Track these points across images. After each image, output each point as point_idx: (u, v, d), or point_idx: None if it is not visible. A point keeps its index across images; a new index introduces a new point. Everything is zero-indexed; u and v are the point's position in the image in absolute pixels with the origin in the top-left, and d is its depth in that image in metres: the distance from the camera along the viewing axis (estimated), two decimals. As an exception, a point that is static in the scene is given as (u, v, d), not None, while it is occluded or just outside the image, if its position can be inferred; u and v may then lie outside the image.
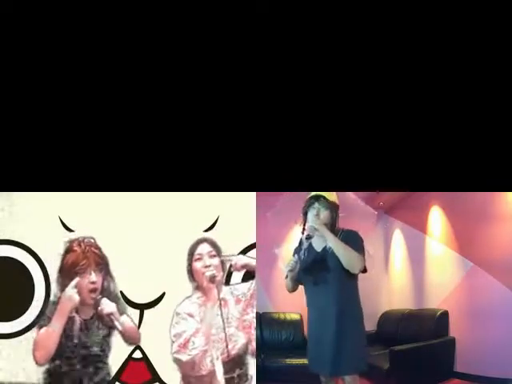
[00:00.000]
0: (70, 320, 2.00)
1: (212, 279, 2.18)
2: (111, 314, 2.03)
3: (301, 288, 2.50)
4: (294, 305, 5.26)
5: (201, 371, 2.14)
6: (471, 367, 4.19)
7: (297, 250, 2.44)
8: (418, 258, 5.26)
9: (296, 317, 5.19)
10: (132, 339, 2.13)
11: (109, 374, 2.09)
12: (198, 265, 2.21)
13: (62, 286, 2.05)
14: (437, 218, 4.94)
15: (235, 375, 2.18)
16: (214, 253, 2.23)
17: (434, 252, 5.00)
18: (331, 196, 2.40)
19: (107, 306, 2.04)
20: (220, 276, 2.22)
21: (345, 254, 2.21)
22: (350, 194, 2.54)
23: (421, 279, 5.22)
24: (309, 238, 2.30)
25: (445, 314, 4.52)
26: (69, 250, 2.07)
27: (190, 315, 2.19)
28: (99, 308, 2.03)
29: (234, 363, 2.20)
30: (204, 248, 2.23)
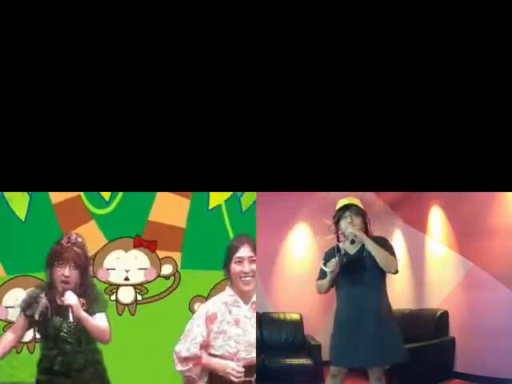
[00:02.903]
0: (38, 301, 2.13)
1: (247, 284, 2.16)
2: (70, 306, 2.09)
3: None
4: (294, 305, 5.27)
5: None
6: (471, 367, 4.18)
7: (329, 254, 2.57)
8: (418, 258, 5.25)
9: (296, 317, 5.19)
10: (99, 339, 2.19)
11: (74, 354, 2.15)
12: (236, 268, 2.15)
13: (47, 272, 2.18)
14: (437, 218, 4.93)
15: (253, 380, 2.15)
16: (254, 258, 2.17)
17: (433, 252, 5.00)
18: (358, 202, 2.57)
19: (69, 298, 2.10)
20: (255, 280, 2.20)
21: (382, 256, 2.42)
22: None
23: (421, 279, 5.21)
24: (353, 242, 2.48)
25: (445, 314, 4.52)
26: (58, 242, 2.17)
27: (211, 318, 2.14)
28: (62, 298, 2.12)
29: (251, 368, 2.16)
30: (245, 252, 2.16)
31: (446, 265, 4.70)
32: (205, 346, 2.13)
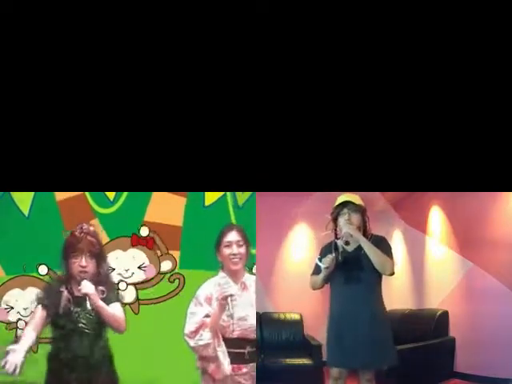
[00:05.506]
0: (59, 294, 2.16)
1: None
2: (86, 294, 2.12)
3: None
4: (294, 305, 5.27)
5: (206, 354, 2.25)
6: (471, 367, 4.19)
7: (326, 250, 2.55)
8: (418, 258, 5.26)
9: (296, 317, 5.19)
10: (113, 328, 2.21)
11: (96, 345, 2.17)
12: (226, 251, 2.36)
13: (63, 264, 2.21)
14: (437, 218, 4.94)
15: (246, 351, 2.29)
16: (241, 242, 2.37)
17: (433, 252, 5.00)
18: (357, 199, 2.53)
19: (85, 286, 2.12)
20: (244, 262, 2.40)
21: (378, 258, 2.40)
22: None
23: (421, 279, 5.22)
24: (347, 244, 2.46)
25: (445, 314, 4.53)
26: (71, 234, 2.22)
27: (209, 299, 2.29)
28: (79, 287, 2.14)
29: (244, 340, 2.30)
30: (233, 236, 2.37)
31: (446, 265, 4.71)
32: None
